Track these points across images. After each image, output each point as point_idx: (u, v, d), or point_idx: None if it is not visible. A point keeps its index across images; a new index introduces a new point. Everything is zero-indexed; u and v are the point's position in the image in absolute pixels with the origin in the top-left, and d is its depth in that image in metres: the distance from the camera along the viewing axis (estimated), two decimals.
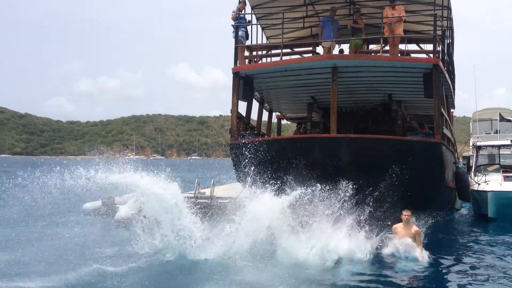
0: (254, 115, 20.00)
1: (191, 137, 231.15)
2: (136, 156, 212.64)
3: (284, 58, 15.74)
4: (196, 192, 19.74)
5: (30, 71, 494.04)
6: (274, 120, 23.66)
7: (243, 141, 14.68)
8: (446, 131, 15.52)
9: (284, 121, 25.67)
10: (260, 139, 14.83)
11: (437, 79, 14.18)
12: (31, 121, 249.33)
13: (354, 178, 13.64)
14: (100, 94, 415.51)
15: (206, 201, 19.11)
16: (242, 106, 17.46)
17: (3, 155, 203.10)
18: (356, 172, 13.62)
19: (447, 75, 15.70)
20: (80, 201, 20.84)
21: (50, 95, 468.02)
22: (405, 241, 10.76)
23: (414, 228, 10.96)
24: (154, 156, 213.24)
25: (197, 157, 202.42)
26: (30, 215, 17.12)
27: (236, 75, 15.67)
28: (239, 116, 16.31)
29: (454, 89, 19.23)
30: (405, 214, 10.98)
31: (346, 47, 17.91)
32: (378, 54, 16.42)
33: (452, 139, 18.36)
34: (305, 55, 16.95)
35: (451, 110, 21.57)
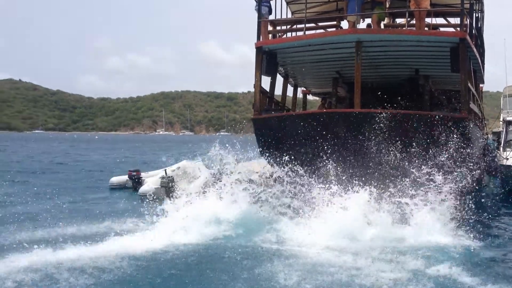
0: (278, 91, 20.02)
1: (220, 113, 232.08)
2: (166, 132, 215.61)
3: (308, 33, 15.56)
4: (220, 168, 19.94)
5: (61, 48, 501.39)
6: (300, 95, 23.57)
7: (265, 116, 14.70)
8: (473, 106, 15.20)
9: (310, 97, 25.53)
10: (283, 114, 14.80)
11: (464, 53, 13.83)
12: (63, 97, 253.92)
13: (380, 157, 13.64)
14: (130, 70, 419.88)
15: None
16: (267, 82, 17.53)
17: (37, 130, 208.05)
18: (380, 148, 13.55)
19: (475, 49, 15.30)
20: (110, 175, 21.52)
21: (82, 72, 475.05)
22: None
23: None
24: (183, 132, 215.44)
25: (226, 133, 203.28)
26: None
27: (259, 50, 15.59)
28: (262, 91, 16.29)
29: (483, 63, 18.76)
30: None
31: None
32: (404, 28, 16.11)
33: (480, 114, 17.96)
34: (330, 30, 16.73)
35: (481, 85, 21.08)
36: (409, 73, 18.04)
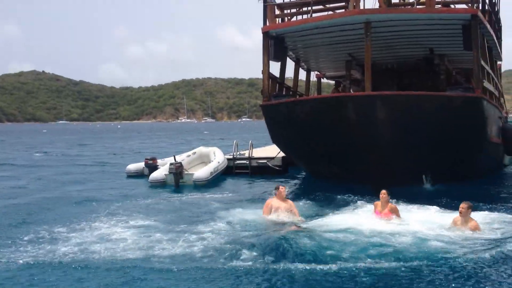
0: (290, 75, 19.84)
1: (241, 99, 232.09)
2: (188, 120, 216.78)
3: (315, 15, 15.26)
4: (235, 153, 19.96)
5: (82, 38, 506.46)
6: (313, 79, 23.29)
7: (274, 102, 14.53)
8: (488, 84, 14.78)
9: (324, 80, 25.23)
10: (291, 100, 14.61)
11: (476, 30, 13.41)
12: (86, 87, 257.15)
13: (391, 140, 13.39)
14: (149, 59, 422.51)
15: (245, 161, 19.36)
16: (277, 67, 17.34)
17: (61, 121, 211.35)
18: (393, 132, 13.30)
19: (488, 26, 14.83)
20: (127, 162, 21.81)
21: (102, 62, 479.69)
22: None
23: (391, 206, 10.42)
24: (205, 120, 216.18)
25: (248, 119, 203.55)
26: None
27: (266, 34, 15.36)
28: (271, 76, 16.09)
29: (500, 40, 18.20)
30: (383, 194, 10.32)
31: None
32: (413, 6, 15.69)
33: (496, 93, 17.47)
34: (338, 11, 16.39)
35: (498, 63, 20.51)
36: (423, 52, 17.61)
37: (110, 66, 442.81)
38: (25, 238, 9.13)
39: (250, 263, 7.54)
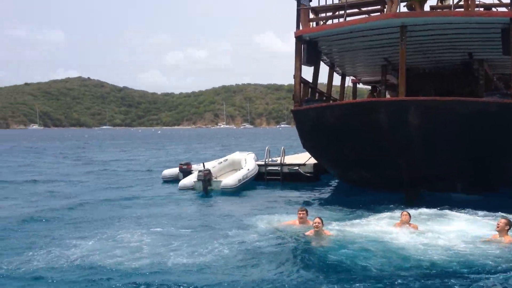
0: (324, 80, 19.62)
1: (280, 105, 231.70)
2: (227, 126, 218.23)
3: (349, 19, 15.00)
4: (267, 159, 19.84)
5: (123, 45, 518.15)
6: (350, 84, 22.98)
7: (305, 107, 14.34)
8: None
9: (361, 85, 24.86)
10: (321, 105, 14.39)
11: None
12: (129, 94, 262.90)
13: (424, 146, 12.99)
14: (189, 65, 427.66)
15: (276, 168, 19.21)
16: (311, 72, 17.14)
17: (104, 126, 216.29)
18: (425, 137, 12.92)
19: None
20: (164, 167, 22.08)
21: (144, 69, 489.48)
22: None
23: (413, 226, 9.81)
24: (244, 125, 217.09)
25: (286, 125, 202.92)
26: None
27: (299, 39, 15.17)
28: (303, 81, 15.91)
29: None
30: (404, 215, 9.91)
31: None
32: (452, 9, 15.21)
33: None
34: (373, 15, 16.08)
35: None
36: (462, 57, 17.06)
37: (152, 73, 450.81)
38: (44, 243, 9.20)
39: (269, 271, 7.42)
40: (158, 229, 10.15)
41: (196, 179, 16.45)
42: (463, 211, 11.49)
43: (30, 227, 10.68)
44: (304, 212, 10.18)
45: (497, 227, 8.82)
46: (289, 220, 10.42)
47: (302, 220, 10.07)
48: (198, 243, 8.97)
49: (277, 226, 10.26)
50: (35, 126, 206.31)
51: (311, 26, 15.78)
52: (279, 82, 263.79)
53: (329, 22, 16.57)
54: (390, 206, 12.39)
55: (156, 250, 8.47)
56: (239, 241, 9.14)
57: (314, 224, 9.19)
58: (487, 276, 7.08)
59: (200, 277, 7.08)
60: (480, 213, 11.36)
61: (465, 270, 7.35)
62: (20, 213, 12.31)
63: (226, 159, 20.12)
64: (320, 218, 9.36)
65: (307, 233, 9.30)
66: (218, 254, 8.24)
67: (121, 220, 11.30)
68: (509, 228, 8.78)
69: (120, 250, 8.42)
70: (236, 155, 20.91)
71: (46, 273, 7.33)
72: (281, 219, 10.85)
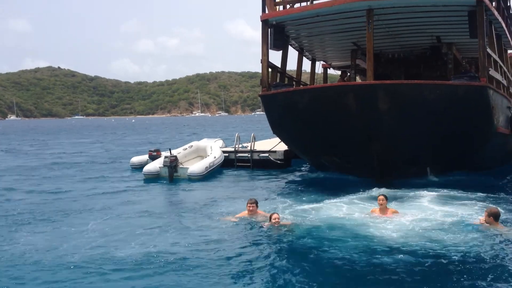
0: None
1: (255, 93, 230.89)
2: (202, 114, 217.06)
3: (316, 2, 14.77)
4: (237, 146, 19.60)
5: (93, 34, 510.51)
6: (320, 69, 22.79)
7: (273, 92, 14.11)
8: (494, 73, 14.18)
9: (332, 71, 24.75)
10: (289, 89, 14.16)
11: (482, 17, 12.78)
12: (101, 83, 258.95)
13: (393, 130, 12.91)
14: (161, 53, 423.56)
15: (246, 154, 18.99)
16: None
17: (76, 116, 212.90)
18: (395, 122, 12.84)
19: (496, 13, 14.21)
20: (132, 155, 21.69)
21: (115, 57, 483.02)
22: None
23: (391, 210, 9.78)
24: (219, 113, 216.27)
25: (262, 113, 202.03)
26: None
27: (265, 23, 14.86)
28: (271, 66, 15.66)
29: (511, 28, 17.54)
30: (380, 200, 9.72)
31: None
32: None
33: (505, 82, 16.81)
34: None
35: (509, 52, 19.84)
36: (430, 41, 17.02)
37: (123, 61, 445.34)
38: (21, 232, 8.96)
39: (236, 260, 7.24)
40: (113, 220, 9.93)
41: (162, 165, 16.14)
42: (434, 192, 11.57)
43: None
44: (254, 204, 9.83)
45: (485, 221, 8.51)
46: (240, 213, 10.07)
47: (252, 212, 9.76)
48: (154, 233, 8.76)
49: (229, 218, 9.89)
50: (13, 117, 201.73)
51: (277, 10, 15.48)
52: (253, 69, 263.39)
53: (297, 5, 16.30)
54: (360, 191, 12.30)
55: (104, 242, 8.23)
56: (196, 231, 8.95)
57: (273, 221, 8.95)
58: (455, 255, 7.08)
59: (150, 271, 6.83)
60: (452, 195, 11.47)
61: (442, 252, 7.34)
62: None
63: (191, 145, 19.69)
64: (277, 213, 9.20)
65: (265, 224, 9.08)
66: (173, 244, 8.03)
67: (82, 211, 10.94)
68: (495, 218, 8.45)
69: (74, 242, 8.16)
70: (202, 142, 20.57)
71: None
72: (242, 209, 10.57)
